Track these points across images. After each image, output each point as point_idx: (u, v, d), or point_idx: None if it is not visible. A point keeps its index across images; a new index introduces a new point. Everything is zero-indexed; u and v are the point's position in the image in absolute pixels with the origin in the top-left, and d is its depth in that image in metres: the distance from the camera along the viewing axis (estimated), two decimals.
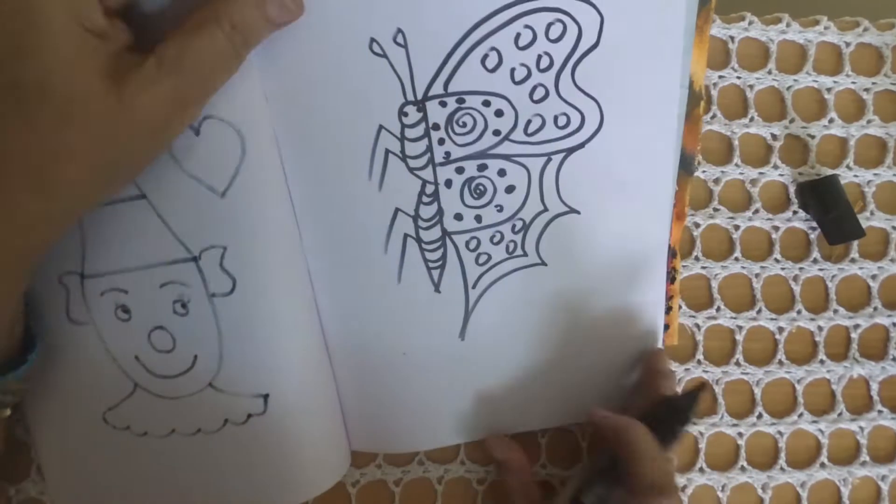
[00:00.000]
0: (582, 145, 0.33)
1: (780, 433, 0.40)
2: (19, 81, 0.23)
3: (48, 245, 0.27)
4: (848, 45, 0.41)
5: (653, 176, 0.34)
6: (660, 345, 0.37)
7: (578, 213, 0.34)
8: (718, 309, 0.40)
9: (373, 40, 0.30)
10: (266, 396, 0.33)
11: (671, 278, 0.38)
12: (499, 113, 0.32)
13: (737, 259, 0.40)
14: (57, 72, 0.23)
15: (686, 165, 0.37)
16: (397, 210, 0.33)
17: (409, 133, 0.32)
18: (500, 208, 0.34)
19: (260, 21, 0.28)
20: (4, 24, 0.23)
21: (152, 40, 0.26)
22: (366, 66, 0.31)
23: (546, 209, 0.34)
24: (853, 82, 0.41)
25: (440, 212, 0.33)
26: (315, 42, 0.30)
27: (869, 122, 0.41)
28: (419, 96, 0.31)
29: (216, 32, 0.26)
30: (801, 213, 0.41)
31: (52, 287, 0.32)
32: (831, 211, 0.39)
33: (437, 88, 0.31)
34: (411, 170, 0.32)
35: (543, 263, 0.35)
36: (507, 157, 0.33)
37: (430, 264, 0.34)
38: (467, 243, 0.34)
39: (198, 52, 0.26)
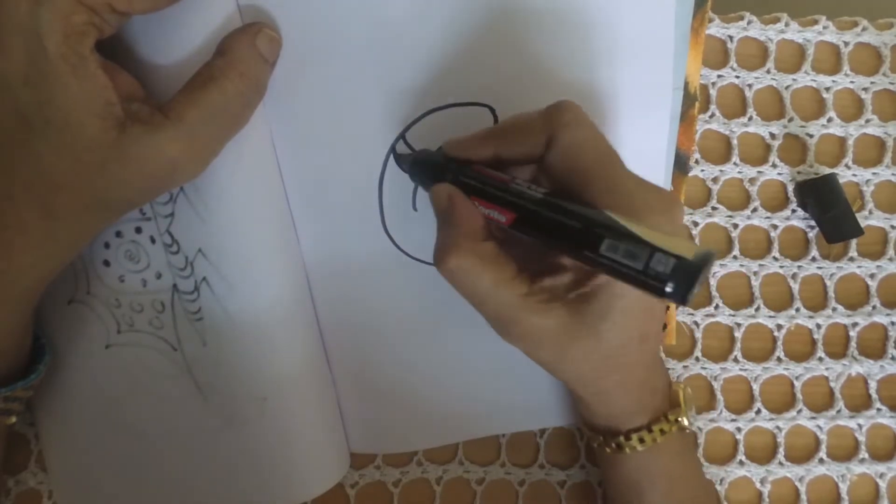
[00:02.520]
0: None
1: (779, 428, 0.42)
2: (26, 108, 0.26)
3: (56, 265, 0.30)
4: (846, 44, 0.43)
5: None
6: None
7: None
8: (717, 307, 0.42)
9: None
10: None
11: None
12: None
13: (735, 257, 0.42)
14: (57, 102, 0.26)
15: (681, 165, 0.39)
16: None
17: None
18: None
19: (260, 63, 0.30)
20: (15, 54, 0.25)
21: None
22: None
23: None
24: (852, 82, 0.43)
25: None
26: None
27: (867, 121, 0.43)
28: None
29: (225, 84, 0.28)
30: (800, 212, 0.43)
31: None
32: (830, 210, 0.41)
33: None
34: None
35: None
36: None
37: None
38: None
39: (208, 105, 0.28)
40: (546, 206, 0.28)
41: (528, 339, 0.30)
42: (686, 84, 0.37)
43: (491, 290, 0.29)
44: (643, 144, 0.36)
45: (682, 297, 0.24)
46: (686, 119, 0.39)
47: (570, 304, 0.30)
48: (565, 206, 0.28)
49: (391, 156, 0.35)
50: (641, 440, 0.34)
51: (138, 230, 0.34)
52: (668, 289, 0.24)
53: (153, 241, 0.34)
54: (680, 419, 0.34)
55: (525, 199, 0.29)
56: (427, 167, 0.32)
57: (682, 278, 0.24)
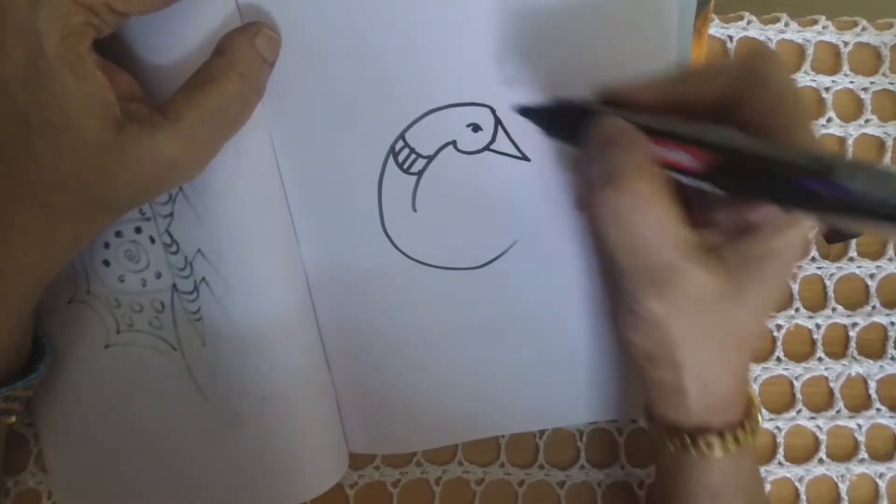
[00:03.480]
0: None
1: (779, 429, 0.42)
2: (25, 109, 0.26)
3: (56, 265, 0.30)
4: (846, 44, 0.43)
5: None
6: None
7: None
8: None
9: None
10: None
11: None
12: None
13: None
14: (56, 103, 0.26)
15: None
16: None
17: None
18: None
19: (259, 63, 0.30)
20: (13, 54, 0.25)
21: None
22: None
23: None
24: (851, 82, 0.43)
25: None
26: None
27: (867, 121, 0.44)
28: None
29: (224, 85, 0.28)
30: None
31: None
32: None
33: None
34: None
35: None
36: None
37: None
38: None
39: (207, 105, 0.28)
40: (762, 145, 0.25)
41: (683, 300, 0.27)
42: None
43: (662, 225, 0.26)
44: None
45: None
46: None
47: (728, 263, 0.27)
48: (786, 145, 0.25)
49: (518, 110, 0.32)
50: (736, 439, 0.30)
51: (138, 230, 0.34)
52: None
53: (153, 241, 0.34)
54: (760, 418, 0.32)
55: (729, 141, 0.25)
56: (572, 114, 0.29)
57: None
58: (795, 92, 0.28)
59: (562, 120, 0.31)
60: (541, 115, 0.32)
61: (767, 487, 0.42)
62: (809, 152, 0.24)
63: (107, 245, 0.35)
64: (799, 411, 0.42)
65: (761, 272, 0.28)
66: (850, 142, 0.43)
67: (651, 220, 0.26)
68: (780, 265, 0.28)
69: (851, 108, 0.44)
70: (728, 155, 0.25)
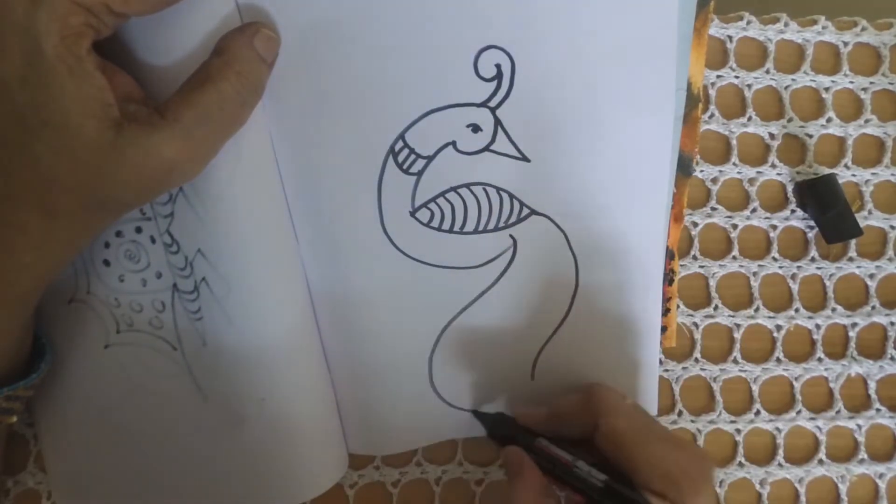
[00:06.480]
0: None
1: (778, 430, 0.42)
2: (24, 109, 0.26)
3: (56, 264, 0.30)
4: (846, 44, 0.44)
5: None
6: (657, 347, 0.39)
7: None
8: (716, 308, 0.42)
9: None
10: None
11: (669, 280, 0.40)
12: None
13: (735, 258, 0.42)
14: (54, 103, 0.26)
15: (684, 167, 0.39)
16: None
17: None
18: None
19: (258, 63, 0.30)
20: (12, 55, 0.25)
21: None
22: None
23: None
24: (851, 82, 0.44)
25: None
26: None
27: (867, 121, 0.44)
28: None
29: (222, 84, 0.28)
30: (799, 212, 0.43)
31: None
32: (829, 210, 0.41)
33: None
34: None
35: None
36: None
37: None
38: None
39: (205, 105, 0.28)
40: (606, 495, 0.31)
41: None
42: (689, 85, 0.37)
43: None
44: (646, 146, 0.36)
45: None
46: (689, 120, 0.39)
47: None
48: (623, 494, 0.31)
49: (474, 414, 0.39)
50: None
51: (138, 230, 0.34)
52: None
53: (153, 240, 0.34)
54: None
55: (588, 486, 0.32)
56: (505, 431, 0.37)
57: None
58: (630, 435, 0.32)
59: (501, 432, 0.38)
60: (489, 423, 0.38)
61: (768, 489, 0.42)
62: None
63: (107, 245, 0.35)
64: (799, 412, 0.42)
65: None
66: (849, 142, 0.43)
67: None
68: None
69: (851, 108, 0.44)
70: (588, 498, 0.32)
